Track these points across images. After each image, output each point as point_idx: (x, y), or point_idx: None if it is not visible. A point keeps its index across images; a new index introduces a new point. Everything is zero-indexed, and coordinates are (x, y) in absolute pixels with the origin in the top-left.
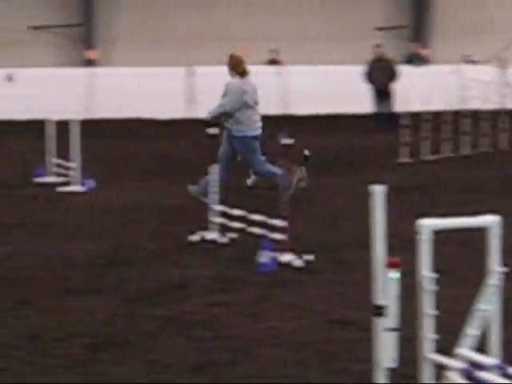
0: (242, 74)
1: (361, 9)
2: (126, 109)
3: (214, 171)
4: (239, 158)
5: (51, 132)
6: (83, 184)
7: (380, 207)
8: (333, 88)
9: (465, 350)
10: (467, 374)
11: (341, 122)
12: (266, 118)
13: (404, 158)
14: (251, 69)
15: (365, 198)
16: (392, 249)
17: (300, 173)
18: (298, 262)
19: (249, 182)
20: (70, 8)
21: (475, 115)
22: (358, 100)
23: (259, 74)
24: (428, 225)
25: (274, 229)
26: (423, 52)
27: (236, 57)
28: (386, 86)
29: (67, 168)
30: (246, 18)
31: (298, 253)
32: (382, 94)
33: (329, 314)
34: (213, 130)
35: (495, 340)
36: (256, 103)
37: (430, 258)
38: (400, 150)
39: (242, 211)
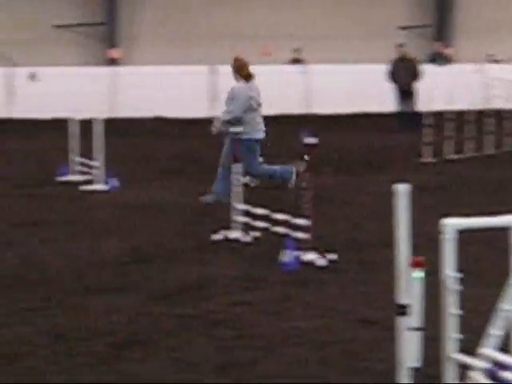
0: (247, 77)
1: (384, 8)
2: (148, 108)
3: (237, 170)
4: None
5: (74, 131)
6: (106, 183)
7: (404, 207)
8: (356, 87)
9: (488, 349)
10: (491, 374)
11: (364, 122)
12: (288, 117)
13: (427, 158)
14: (274, 68)
15: (388, 198)
16: (415, 248)
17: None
18: (321, 261)
19: (251, 183)
20: (93, 7)
21: (499, 114)
22: (381, 99)
23: (282, 73)
24: (452, 224)
25: (297, 228)
26: (446, 51)
27: (240, 60)
28: (409, 85)
29: (90, 167)
30: (269, 17)
31: (321, 252)
32: (405, 94)
33: (352, 314)
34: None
35: None
36: (260, 106)
37: (454, 258)
38: (423, 149)
39: (266, 210)
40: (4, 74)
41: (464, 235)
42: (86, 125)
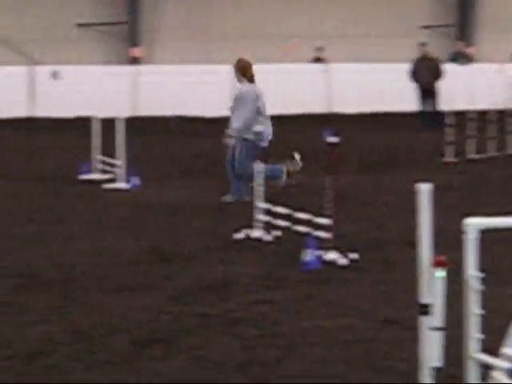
0: (251, 78)
1: (407, 7)
2: (170, 106)
3: (260, 170)
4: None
5: (97, 129)
6: (128, 181)
7: (426, 206)
8: (378, 86)
9: (511, 349)
10: None
11: (386, 121)
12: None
13: (449, 157)
14: (296, 67)
15: (410, 197)
16: (438, 247)
17: (292, 168)
18: (342, 261)
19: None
20: (115, 6)
21: None
22: (403, 98)
23: (304, 72)
24: (474, 224)
25: (319, 227)
26: (468, 50)
27: (245, 61)
28: (431, 84)
29: (112, 165)
30: (291, 16)
31: (343, 251)
32: (427, 93)
33: (374, 313)
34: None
35: None
36: (264, 107)
37: (477, 257)
38: (445, 148)
39: (287, 209)
40: (27, 72)
41: (486, 235)
42: (108, 123)
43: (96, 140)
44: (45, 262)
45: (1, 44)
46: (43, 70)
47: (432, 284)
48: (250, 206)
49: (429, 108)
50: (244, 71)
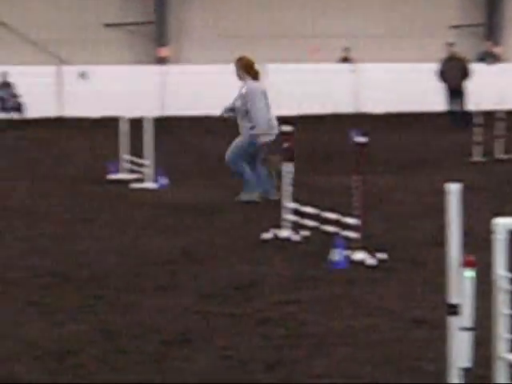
0: (256, 75)
1: (435, 6)
2: (198, 106)
3: (288, 169)
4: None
5: (125, 129)
6: (156, 181)
7: (455, 205)
8: (406, 86)
9: None
10: None
11: (413, 121)
12: (338, 116)
13: (477, 157)
14: (324, 67)
15: (438, 197)
16: (466, 247)
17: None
18: (370, 261)
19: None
20: (143, 6)
21: None
22: (431, 98)
23: (332, 72)
24: (503, 224)
25: (347, 227)
26: (496, 50)
27: (248, 59)
28: (459, 84)
29: (140, 165)
30: (319, 16)
31: (371, 251)
32: (455, 93)
33: (401, 313)
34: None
35: None
36: (269, 105)
37: (506, 257)
38: (473, 148)
39: (315, 209)
40: (55, 72)
41: None
42: (136, 123)
43: (124, 140)
44: (74, 261)
45: (29, 44)
46: (71, 71)
47: (461, 284)
48: (277, 206)
49: (457, 108)
50: (248, 69)
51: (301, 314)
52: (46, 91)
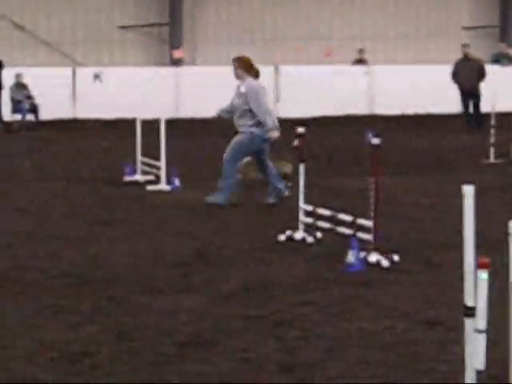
0: (256, 74)
1: (449, 8)
2: (212, 108)
3: (301, 170)
4: None
5: (139, 131)
6: (170, 183)
7: (471, 207)
8: (420, 87)
9: None
10: None
11: (428, 122)
12: (352, 118)
13: (493, 159)
14: (338, 68)
15: (453, 198)
16: (482, 249)
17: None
18: (385, 262)
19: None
20: (157, 8)
21: None
22: (446, 100)
23: (346, 74)
24: None
25: (361, 228)
26: (510, 51)
27: (247, 58)
28: (473, 86)
29: (154, 167)
30: (333, 18)
31: (386, 253)
32: (470, 94)
33: (416, 315)
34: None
35: None
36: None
37: None
38: (489, 150)
39: (330, 211)
40: (69, 74)
41: None
42: (150, 125)
43: (138, 142)
44: (90, 262)
45: (44, 46)
46: (86, 72)
47: (476, 286)
48: (292, 208)
49: (471, 109)
50: (248, 68)
51: (315, 315)
52: (61, 93)
